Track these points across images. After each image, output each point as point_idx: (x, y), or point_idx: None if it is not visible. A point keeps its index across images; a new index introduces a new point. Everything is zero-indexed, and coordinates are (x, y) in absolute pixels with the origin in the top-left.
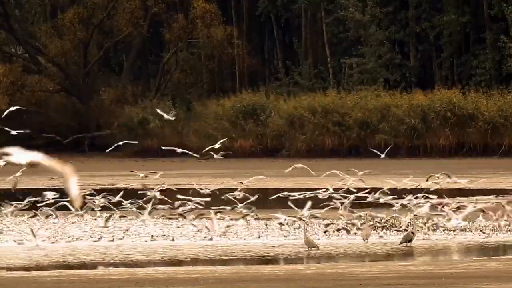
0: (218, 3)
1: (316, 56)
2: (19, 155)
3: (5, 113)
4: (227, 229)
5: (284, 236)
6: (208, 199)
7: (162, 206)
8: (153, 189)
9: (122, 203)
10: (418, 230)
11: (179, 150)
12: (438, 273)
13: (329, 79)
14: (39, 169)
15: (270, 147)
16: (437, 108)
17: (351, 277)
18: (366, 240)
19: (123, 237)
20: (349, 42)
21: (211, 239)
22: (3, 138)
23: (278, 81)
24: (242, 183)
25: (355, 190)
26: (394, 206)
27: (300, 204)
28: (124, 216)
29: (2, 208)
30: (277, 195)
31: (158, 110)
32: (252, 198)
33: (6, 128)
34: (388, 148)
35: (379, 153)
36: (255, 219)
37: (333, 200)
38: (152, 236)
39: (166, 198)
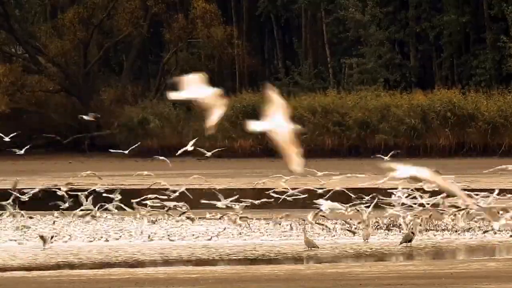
0: (218, 3)
1: (316, 56)
2: (405, 169)
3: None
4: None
5: (284, 236)
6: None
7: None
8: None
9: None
10: (420, 231)
11: (189, 148)
12: (438, 273)
13: (329, 79)
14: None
15: (270, 147)
16: (437, 108)
17: (351, 277)
18: (366, 240)
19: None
20: (349, 42)
21: (210, 239)
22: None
23: (278, 81)
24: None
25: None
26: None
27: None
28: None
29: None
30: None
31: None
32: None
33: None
34: (392, 153)
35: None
36: (256, 219)
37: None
38: (149, 236)
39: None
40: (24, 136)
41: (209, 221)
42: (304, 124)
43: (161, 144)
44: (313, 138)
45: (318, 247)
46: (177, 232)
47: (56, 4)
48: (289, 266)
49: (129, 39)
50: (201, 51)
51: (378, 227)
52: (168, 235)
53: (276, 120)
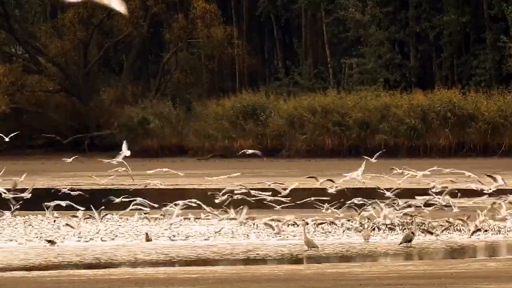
0: (218, 3)
1: (316, 56)
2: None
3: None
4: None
5: (284, 236)
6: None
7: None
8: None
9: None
10: (419, 230)
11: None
12: (438, 273)
13: (329, 79)
14: None
15: (270, 147)
16: (437, 108)
17: (351, 277)
18: (367, 240)
19: (116, 236)
20: (349, 42)
21: (207, 239)
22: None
23: (278, 81)
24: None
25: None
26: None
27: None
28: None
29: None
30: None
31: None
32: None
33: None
34: (379, 153)
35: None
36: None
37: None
38: (146, 234)
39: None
40: (24, 136)
41: (209, 221)
42: (304, 124)
43: (161, 144)
44: (313, 138)
45: (318, 247)
46: (177, 232)
47: (56, 4)
48: (289, 266)
49: (129, 39)
50: (201, 51)
51: (378, 227)
52: (168, 235)
53: None
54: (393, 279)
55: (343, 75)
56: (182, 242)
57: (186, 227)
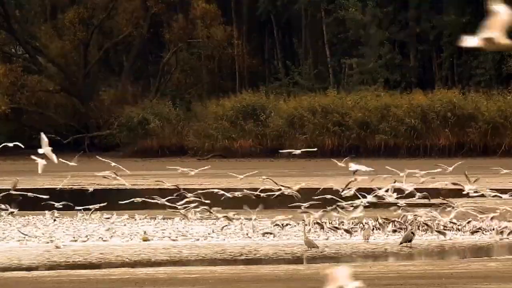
0: (218, 3)
1: (316, 56)
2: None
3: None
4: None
5: (284, 236)
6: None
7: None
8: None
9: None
10: (419, 230)
11: (297, 152)
12: (438, 273)
13: (329, 79)
14: None
15: (270, 147)
16: (437, 108)
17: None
18: (366, 240)
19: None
20: (349, 42)
21: (205, 239)
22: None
23: (278, 81)
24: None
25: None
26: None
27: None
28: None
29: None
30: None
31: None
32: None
33: None
34: (347, 158)
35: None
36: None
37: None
38: (145, 232)
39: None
40: (24, 136)
41: (209, 221)
42: (304, 124)
43: (161, 144)
44: (313, 138)
45: (318, 247)
46: (177, 232)
47: (56, 4)
48: (289, 266)
49: (129, 39)
50: (201, 51)
51: (378, 227)
52: (168, 235)
53: None
54: (393, 279)
55: (343, 75)
56: (182, 242)
57: (186, 227)
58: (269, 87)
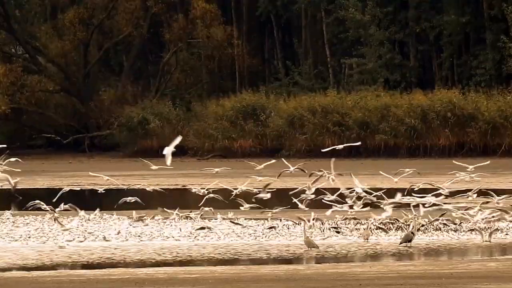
0: (218, 3)
1: (316, 56)
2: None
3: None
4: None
5: (285, 236)
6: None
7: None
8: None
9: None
10: (418, 230)
11: (339, 147)
12: (438, 273)
13: (329, 79)
14: None
15: (270, 147)
16: (437, 108)
17: (351, 277)
18: (366, 240)
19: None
20: (349, 42)
21: (205, 238)
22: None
23: (278, 81)
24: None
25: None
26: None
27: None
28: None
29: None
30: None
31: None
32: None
33: None
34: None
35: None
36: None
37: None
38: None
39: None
40: (24, 136)
41: (209, 221)
42: (304, 124)
43: (161, 144)
44: (313, 138)
45: (318, 247)
46: (177, 232)
47: (56, 4)
48: (289, 266)
49: (129, 39)
50: (201, 51)
51: (378, 227)
52: (167, 235)
53: None
54: (393, 279)
55: (343, 75)
56: (182, 242)
57: (186, 227)
58: (269, 87)
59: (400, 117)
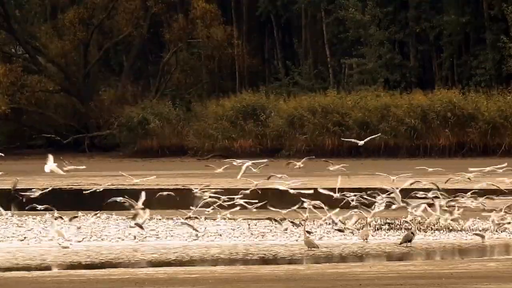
0: (218, 3)
1: (316, 56)
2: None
3: None
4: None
5: (284, 236)
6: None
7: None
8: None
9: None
10: (418, 229)
11: (360, 143)
12: (438, 273)
13: (329, 79)
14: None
15: (270, 147)
16: (437, 108)
17: (351, 277)
18: (366, 240)
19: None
20: (349, 42)
21: (206, 239)
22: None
23: (278, 81)
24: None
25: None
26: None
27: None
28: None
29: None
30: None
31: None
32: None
33: None
34: (306, 159)
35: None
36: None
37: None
38: (135, 237)
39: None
40: (24, 136)
41: (208, 221)
42: (304, 124)
43: (161, 144)
44: (313, 138)
45: (318, 247)
46: (177, 232)
47: (56, 4)
48: (289, 266)
49: (129, 39)
50: (201, 51)
51: (378, 227)
52: (167, 235)
53: None
54: (393, 279)
55: (343, 75)
56: (182, 242)
57: (186, 227)
58: (269, 87)
59: (400, 117)
